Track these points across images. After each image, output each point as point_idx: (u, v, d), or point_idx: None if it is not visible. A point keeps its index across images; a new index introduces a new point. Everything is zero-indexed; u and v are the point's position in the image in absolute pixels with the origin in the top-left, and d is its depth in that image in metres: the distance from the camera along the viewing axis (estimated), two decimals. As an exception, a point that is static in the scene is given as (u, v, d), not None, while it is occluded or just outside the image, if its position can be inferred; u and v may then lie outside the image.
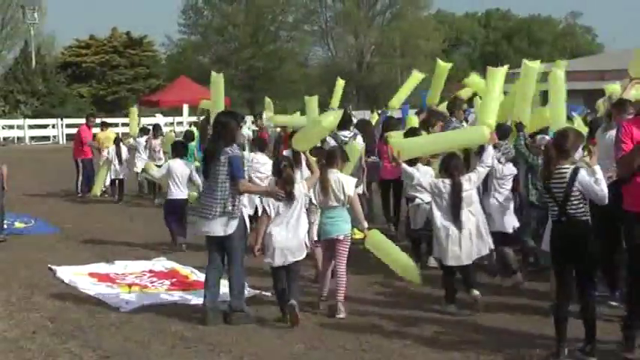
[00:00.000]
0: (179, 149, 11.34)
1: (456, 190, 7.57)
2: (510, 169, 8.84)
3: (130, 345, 6.70)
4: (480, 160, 8.04)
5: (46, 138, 39.57)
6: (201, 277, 8.33)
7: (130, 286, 8.81)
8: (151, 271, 9.59)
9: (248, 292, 8.34)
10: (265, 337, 6.90)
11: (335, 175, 7.75)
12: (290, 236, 7.32)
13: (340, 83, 16.47)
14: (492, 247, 8.03)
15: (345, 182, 7.74)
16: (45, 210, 14.58)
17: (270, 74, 56.04)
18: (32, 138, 39.16)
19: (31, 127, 39.45)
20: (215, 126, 7.61)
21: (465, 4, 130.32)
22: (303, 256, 7.47)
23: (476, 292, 7.57)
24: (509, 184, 8.85)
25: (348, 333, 6.99)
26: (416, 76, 14.75)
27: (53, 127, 39.53)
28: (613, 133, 7.56)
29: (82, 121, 27.42)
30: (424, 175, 8.43)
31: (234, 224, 7.34)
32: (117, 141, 16.95)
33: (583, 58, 49.87)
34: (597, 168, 6.12)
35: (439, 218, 7.64)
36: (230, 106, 16.60)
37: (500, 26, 75.17)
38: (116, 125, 29.04)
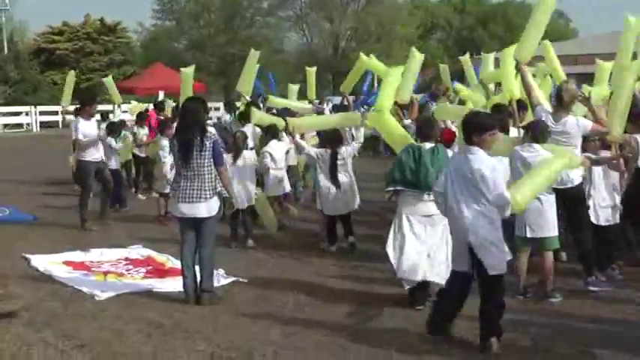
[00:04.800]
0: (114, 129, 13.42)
1: (333, 158, 9.79)
2: None
3: (106, 334, 6.65)
4: (356, 137, 10.38)
5: (19, 125, 39.18)
6: (177, 264, 8.31)
7: (105, 274, 8.75)
8: (126, 259, 9.53)
9: (225, 278, 8.38)
10: (242, 324, 6.89)
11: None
12: (240, 188, 10.04)
13: (311, 72, 16.12)
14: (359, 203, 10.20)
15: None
16: (19, 198, 14.42)
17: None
18: (5, 125, 38.71)
19: (3, 114, 38.99)
20: (185, 113, 7.62)
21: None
22: (252, 203, 10.39)
23: (352, 238, 9.91)
24: None
25: (325, 319, 7.00)
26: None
27: (26, 114, 39.09)
28: (567, 119, 7.86)
29: (57, 108, 26.95)
30: (311, 149, 10.32)
31: (217, 205, 7.50)
32: None
33: (557, 42, 50.03)
34: None
35: (322, 179, 9.89)
36: (205, 93, 16.55)
37: (475, 11, 75.28)
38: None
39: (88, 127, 11.40)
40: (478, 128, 6.04)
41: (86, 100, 11.82)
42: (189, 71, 13.80)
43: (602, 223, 8.20)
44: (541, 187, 6.84)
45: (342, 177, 9.86)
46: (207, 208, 7.45)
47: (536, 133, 7.48)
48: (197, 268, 7.61)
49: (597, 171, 8.20)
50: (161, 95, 31.88)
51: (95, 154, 11.47)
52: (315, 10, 60.31)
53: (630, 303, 7.39)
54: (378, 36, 57.82)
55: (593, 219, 8.15)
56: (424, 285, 7.23)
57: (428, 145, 7.33)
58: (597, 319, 6.89)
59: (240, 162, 10.23)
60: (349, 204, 9.94)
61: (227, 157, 9.76)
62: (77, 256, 9.65)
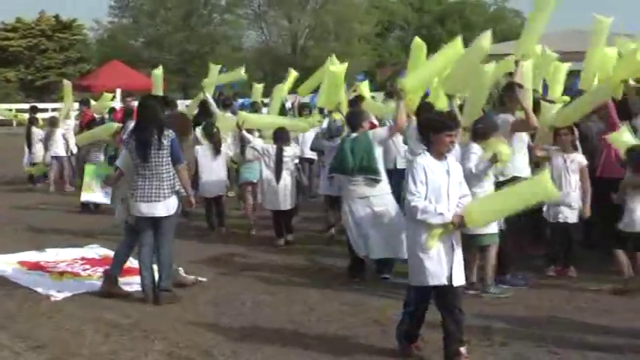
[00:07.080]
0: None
1: (279, 154, 10.14)
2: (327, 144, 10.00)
3: (63, 334, 6.57)
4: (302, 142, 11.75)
5: (-28, 124, 38.45)
6: (134, 263, 8.21)
7: (61, 274, 8.65)
8: (83, 259, 9.43)
9: (184, 277, 8.31)
10: (201, 323, 6.84)
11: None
12: (215, 178, 10.94)
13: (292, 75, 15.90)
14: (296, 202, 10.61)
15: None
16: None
17: (203, 58, 55.24)
18: (-43, 124, 37.98)
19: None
20: (143, 110, 7.56)
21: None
22: (224, 192, 11.28)
23: (290, 237, 10.29)
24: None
25: (284, 317, 7.00)
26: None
27: (-21, 112, 38.36)
28: (505, 117, 8.01)
29: (10, 105, 26.52)
30: (257, 142, 10.80)
31: (175, 204, 7.46)
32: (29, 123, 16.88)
33: (513, 41, 50.57)
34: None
35: (265, 173, 10.25)
36: (165, 91, 16.34)
37: (433, 10, 75.74)
38: (46, 110, 28.31)
39: None
40: (435, 127, 5.66)
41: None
42: (158, 72, 14.00)
43: (560, 220, 8.24)
44: (501, 208, 6.10)
45: (285, 174, 10.15)
46: (166, 207, 7.39)
47: (476, 131, 7.59)
48: (155, 267, 7.55)
49: (557, 169, 8.18)
50: (118, 93, 31.50)
51: None
52: (274, 8, 60.13)
53: (586, 299, 7.50)
54: (336, 34, 57.83)
55: (551, 218, 8.24)
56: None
57: (354, 135, 8.14)
58: (554, 313, 6.96)
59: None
60: (286, 201, 10.24)
61: (207, 150, 10.98)
62: (32, 256, 9.51)
